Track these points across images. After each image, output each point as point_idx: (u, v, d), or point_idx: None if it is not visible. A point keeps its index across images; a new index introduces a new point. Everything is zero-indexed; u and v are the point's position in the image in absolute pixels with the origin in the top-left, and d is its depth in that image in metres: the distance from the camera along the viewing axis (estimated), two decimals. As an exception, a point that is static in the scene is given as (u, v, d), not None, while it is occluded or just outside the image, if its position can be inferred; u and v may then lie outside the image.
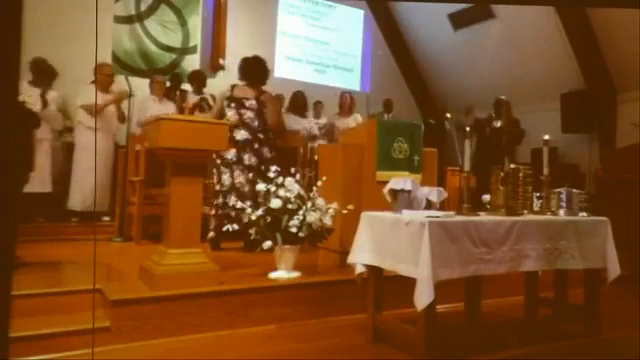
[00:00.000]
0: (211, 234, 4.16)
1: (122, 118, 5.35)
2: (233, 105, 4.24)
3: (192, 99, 5.49)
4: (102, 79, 5.31)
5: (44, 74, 5.25)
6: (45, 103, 5.12)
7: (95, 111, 5.13)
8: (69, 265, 3.72)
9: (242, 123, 4.20)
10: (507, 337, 2.91)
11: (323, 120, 6.53)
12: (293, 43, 8.68)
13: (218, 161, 4.18)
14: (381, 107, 7.20)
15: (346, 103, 6.57)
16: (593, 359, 2.80)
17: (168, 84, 6.37)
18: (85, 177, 5.19)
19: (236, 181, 4.13)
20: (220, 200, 4.15)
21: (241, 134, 4.17)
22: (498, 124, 6.41)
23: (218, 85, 6.22)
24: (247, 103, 4.25)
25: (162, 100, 5.75)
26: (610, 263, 2.97)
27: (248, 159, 4.17)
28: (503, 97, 6.30)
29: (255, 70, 4.38)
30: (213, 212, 4.20)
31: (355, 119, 6.50)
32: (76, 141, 5.37)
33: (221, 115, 4.23)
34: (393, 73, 9.64)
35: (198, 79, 6.16)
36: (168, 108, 5.56)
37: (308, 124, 6.31)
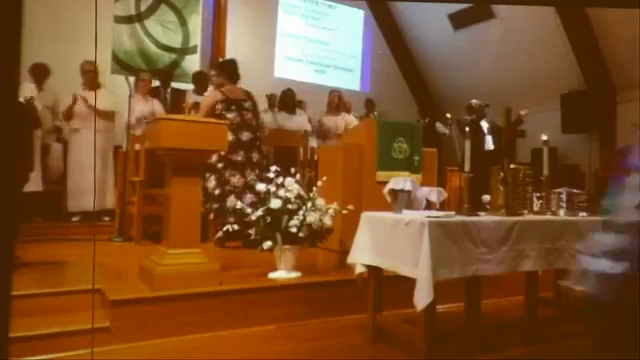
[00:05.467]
0: (219, 234, 4.10)
1: (107, 116, 5.31)
2: (234, 107, 4.26)
3: (192, 99, 5.47)
4: (84, 77, 5.27)
5: (34, 74, 5.24)
6: None
7: (89, 112, 5.11)
8: (69, 265, 3.72)
9: (245, 124, 4.25)
10: (507, 337, 2.91)
11: (305, 117, 6.55)
12: (293, 43, 8.68)
13: (220, 164, 4.15)
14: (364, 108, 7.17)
15: (334, 102, 6.56)
16: (593, 359, 2.80)
17: (158, 83, 6.35)
18: (76, 178, 5.21)
19: (248, 179, 4.15)
20: (231, 202, 4.07)
21: (246, 135, 4.24)
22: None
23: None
24: (245, 104, 4.31)
25: (147, 99, 5.71)
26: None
27: (255, 158, 4.25)
28: (474, 101, 6.16)
29: (236, 71, 4.45)
30: (212, 217, 4.17)
31: (344, 118, 6.49)
32: (69, 143, 5.40)
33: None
34: (393, 73, 9.64)
35: (201, 80, 6.15)
36: (152, 106, 5.57)
37: (303, 124, 6.33)
